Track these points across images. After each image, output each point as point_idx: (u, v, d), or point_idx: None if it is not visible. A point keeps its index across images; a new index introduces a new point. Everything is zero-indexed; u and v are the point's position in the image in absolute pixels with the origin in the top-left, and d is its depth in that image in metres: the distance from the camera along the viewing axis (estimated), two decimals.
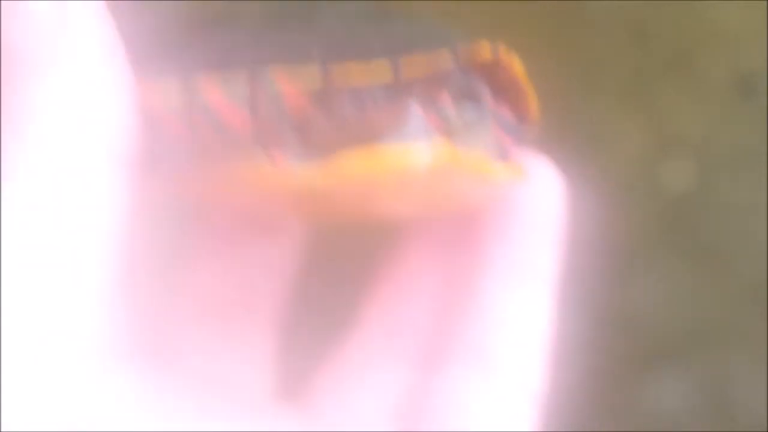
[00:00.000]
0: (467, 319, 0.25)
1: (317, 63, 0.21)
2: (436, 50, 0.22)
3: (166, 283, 0.27)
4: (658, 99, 1.03)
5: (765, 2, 0.98)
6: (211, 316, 0.29)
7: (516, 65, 0.23)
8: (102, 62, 0.20)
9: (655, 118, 1.02)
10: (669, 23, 1.06)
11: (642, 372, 0.86)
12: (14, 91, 0.20)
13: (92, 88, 0.19)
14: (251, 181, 0.21)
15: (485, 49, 0.23)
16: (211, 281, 0.29)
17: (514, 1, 1.04)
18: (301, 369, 0.29)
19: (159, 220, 0.23)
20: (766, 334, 0.84)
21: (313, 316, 0.33)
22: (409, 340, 0.27)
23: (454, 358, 0.26)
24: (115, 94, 0.20)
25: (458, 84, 0.23)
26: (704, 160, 0.97)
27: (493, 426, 0.25)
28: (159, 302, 0.27)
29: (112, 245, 0.20)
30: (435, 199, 0.24)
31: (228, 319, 0.29)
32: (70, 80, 0.20)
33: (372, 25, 0.23)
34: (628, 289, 0.89)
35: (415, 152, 0.21)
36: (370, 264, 0.29)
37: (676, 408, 0.85)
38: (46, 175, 0.19)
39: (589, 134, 0.99)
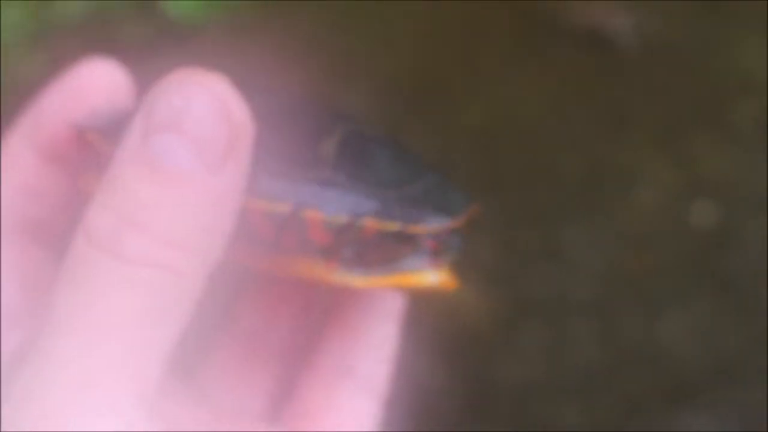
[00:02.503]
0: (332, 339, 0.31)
1: (398, 222, 0.28)
2: (438, 223, 0.28)
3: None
4: (687, 144, 1.05)
5: None
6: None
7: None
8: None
9: (684, 161, 1.04)
10: (699, 72, 1.08)
11: (668, 405, 0.86)
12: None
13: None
14: (306, 273, 0.28)
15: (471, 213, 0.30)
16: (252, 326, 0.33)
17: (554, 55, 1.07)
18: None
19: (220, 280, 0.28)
20: None
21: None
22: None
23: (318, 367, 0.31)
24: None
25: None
26: (731, 201, 0.98)
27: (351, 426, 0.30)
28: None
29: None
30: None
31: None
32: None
33: (402, 183, 0.28)
34: (655, 325, 0.91)
35: (426, 275, 0.29)
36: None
37: None
38: None
39: (624, 176, 1.01)
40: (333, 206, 0.26)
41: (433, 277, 0.29)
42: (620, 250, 0.97)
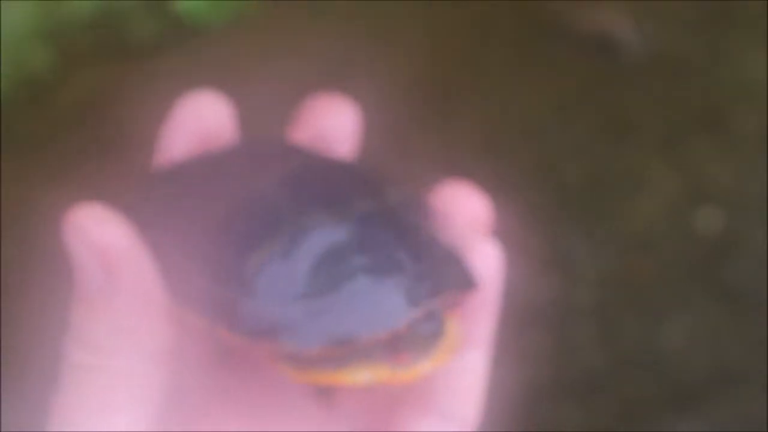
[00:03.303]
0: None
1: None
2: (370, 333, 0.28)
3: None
4: (690, 151, 1.05)
5: None
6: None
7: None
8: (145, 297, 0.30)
9: (687, 168, 1.04)
10: (702, 80, 1.08)
11: (669, 409, 0.87)
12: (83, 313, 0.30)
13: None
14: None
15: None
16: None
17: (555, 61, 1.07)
18: None
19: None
20: None
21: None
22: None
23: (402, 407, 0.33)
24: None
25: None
26: (733, 208, 0.99)
27: None
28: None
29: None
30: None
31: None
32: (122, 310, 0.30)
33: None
34: (657, 330, 0.91)
35: (361, 377, 0.28)
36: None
37: None
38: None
39: (627, 183, 1.01)
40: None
41: (398, 372, 0.28)
42: (622, 255, 0.97)
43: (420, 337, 0.28)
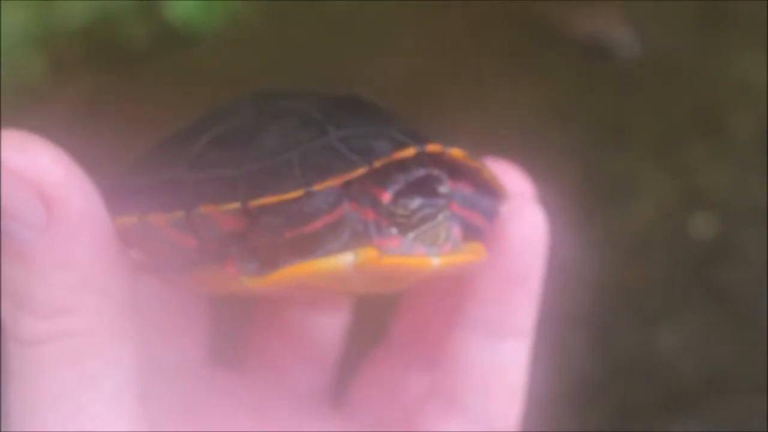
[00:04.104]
0: (444, 369, 0.28)
1: (239, 201, 0.23)
2: (352, 169, 0.23)
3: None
4: (685, 154, 1.05)
5: None
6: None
7: (460, 154, 0.24)
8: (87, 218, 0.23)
9: (681, 171, 1.04)
10: (697, 82, 1.08)
11: (663, 415, 0.86)
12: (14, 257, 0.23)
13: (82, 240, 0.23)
14: (216, 282, 0.25)
15: (433, 147, 0.24)
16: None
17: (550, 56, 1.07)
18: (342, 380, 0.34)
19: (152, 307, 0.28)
20: None
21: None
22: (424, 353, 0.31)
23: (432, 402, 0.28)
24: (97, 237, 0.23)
25: (403, 182, 0.24)
26: (727, 212, 0.99)
27: None
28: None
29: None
30: (379, 286, 0.26)
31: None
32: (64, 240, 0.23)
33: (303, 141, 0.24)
34: (651, 335, 0.91)
35: (341, 262, 0.23)
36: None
37: None
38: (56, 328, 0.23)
39: (622, 186, 1.01)
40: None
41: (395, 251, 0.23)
42: (616, 260, 0.97)
43: (411, 214, 0.23)
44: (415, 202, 0.24)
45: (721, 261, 0.95)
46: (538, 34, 1.10)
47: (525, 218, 0.27)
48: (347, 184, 0.24)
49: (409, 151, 0.23)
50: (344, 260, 0.23)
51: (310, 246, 0.23)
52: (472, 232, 0.26)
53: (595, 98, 1.04)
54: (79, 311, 0.23)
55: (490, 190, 0.27)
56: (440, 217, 0.24)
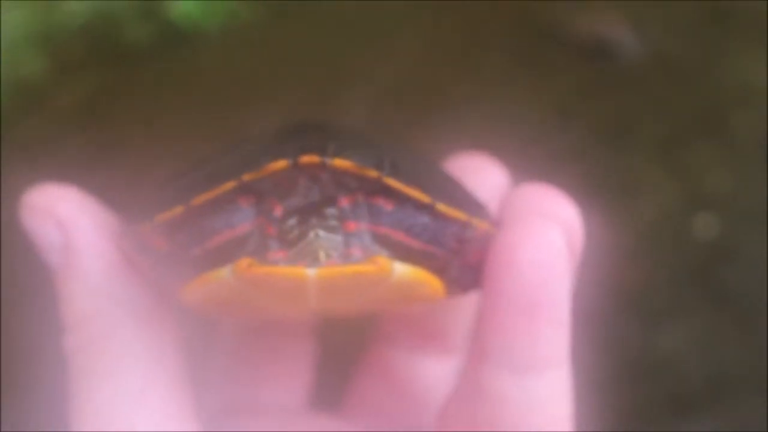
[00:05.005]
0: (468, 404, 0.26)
1: (149, 220, 0.25)
2: (222, 184, 0.24)
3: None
4: (687, 155, 1.05)
5: None
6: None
7: (345, 165, 0.24)
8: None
9: (684, 172, 1.04)
10: (699, 83, 1.08)
11: (667, 415, 0.86)
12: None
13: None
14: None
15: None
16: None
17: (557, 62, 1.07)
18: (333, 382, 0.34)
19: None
20: None
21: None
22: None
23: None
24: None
25: (302, 198, 0.24)
26: (730, 213, 0.99)
27: None
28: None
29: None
30: (331, 304, 0.26)
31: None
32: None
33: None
34: (655, 335, 0.91)
35: (222, 273, 0.24)
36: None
37: None
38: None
39: (624, 187, 1.01)
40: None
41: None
42: (618, 261, 0.97)
43: (289, 230, 0.24)
44: (292, 220, 0.24)
45: (723, 262, 0.95)
46: (540, 34, 1.10)
47: (529, 241, 0.25)
48: (260, 199, 0.25)
49: (281, 164, 0.24)
50: (225, 271, 0.24)
51: (217, 261, 0.24)
52: (427, 258, 0.25)
53: (596, 99, 1.04)
54: (94, 318, 0.27)
55: (474, 207, 0.26)
56: (312, 234, 0.24)
